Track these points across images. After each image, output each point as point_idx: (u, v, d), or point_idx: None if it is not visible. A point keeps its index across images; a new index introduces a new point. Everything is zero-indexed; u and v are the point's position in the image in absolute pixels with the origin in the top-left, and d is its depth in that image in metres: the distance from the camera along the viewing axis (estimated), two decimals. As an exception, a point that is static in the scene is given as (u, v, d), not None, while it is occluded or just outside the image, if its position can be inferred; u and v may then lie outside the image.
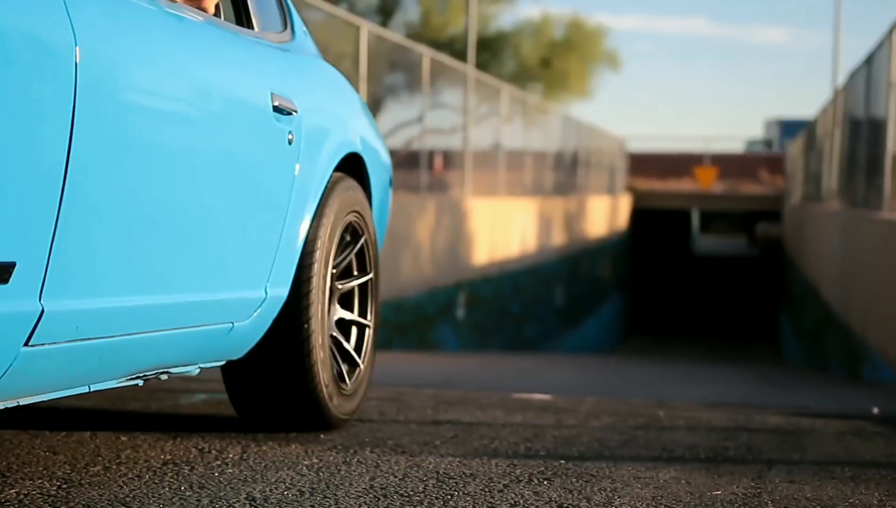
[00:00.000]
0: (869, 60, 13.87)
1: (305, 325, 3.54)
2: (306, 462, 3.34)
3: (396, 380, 6.71)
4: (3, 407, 2.55)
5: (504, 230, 19.62)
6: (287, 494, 2.92)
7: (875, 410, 5.95)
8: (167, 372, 3.19)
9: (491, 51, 33.96)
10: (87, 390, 2.83)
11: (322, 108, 3.72)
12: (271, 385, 3.64)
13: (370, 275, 4.00)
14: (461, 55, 22.21)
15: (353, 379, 3.90)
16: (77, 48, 2.36)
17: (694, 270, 41.57)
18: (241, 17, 3.52)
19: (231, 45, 3.24)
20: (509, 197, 20.56)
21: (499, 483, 3.19)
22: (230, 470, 3.18)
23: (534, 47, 35.17)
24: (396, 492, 3.00)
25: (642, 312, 37.20)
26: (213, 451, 3.45)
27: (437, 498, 2.96)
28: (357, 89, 13.31)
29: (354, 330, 3.96)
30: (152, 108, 2.69)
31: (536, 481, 3.24)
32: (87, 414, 4.08)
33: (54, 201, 2.33)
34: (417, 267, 14.95)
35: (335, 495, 2.94)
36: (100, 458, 3.27)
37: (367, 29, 13.54)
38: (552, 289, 24.46)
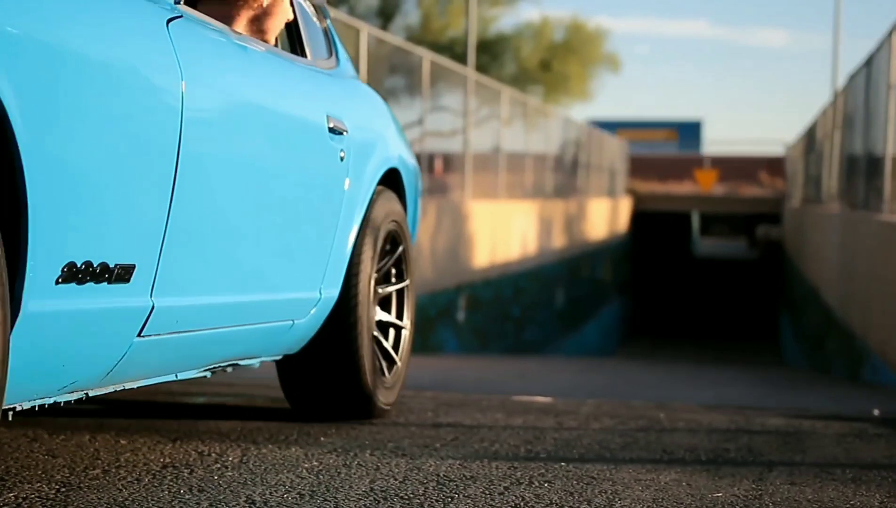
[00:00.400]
0: (868, 62, 13.87)
1: (354, 324, 3.93)
2: (306, 465, 3.33)
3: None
4: (111, 391, 2.95)
5: (504, 233, 19.62)
6: (287, 497, 2.92)
7: (876, 412, 5.95)
8: (235, 364, 3.60)
9: (491, 53, 33.97)
10: (175, 378, 3.27)
11: (367, 128, 4.07)
12: (322, 378, 4.04)
13: (406, 282, 4.41)
14: (461, 58, 22.21)
15: (392, 374, 4.31)
16: (183, 82, 2.76)
17: (694, 273, 41.55)
18: (295, 46, 3.91)
19: (292, 73, 3.61)
20: (510, 199, 20.57)
21: (499, 485, 3.19)
22: (230, 473, 3.18)
23: (534, 50, 35.17)
24: (397, 495, 3.00)
25: (643, 315, 37.19)
26: (213, 454, 3.44)
27: (437, 501, 2.96)
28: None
29: (392, 331, 4.35)
30: (234, 132, 3.05)
31: (537, 483, 3.23)
32: (86, 417, 4.08)
33: (164, 213, 2.72)
34: (418, 269, 14.96)
35: (335, 498, 2.93)
36: (99, 461, 3.26)
37: (367, 32, 13.54)
38: (553, 292, 24.45)
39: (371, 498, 2.94)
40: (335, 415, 4.15)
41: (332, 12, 13.83)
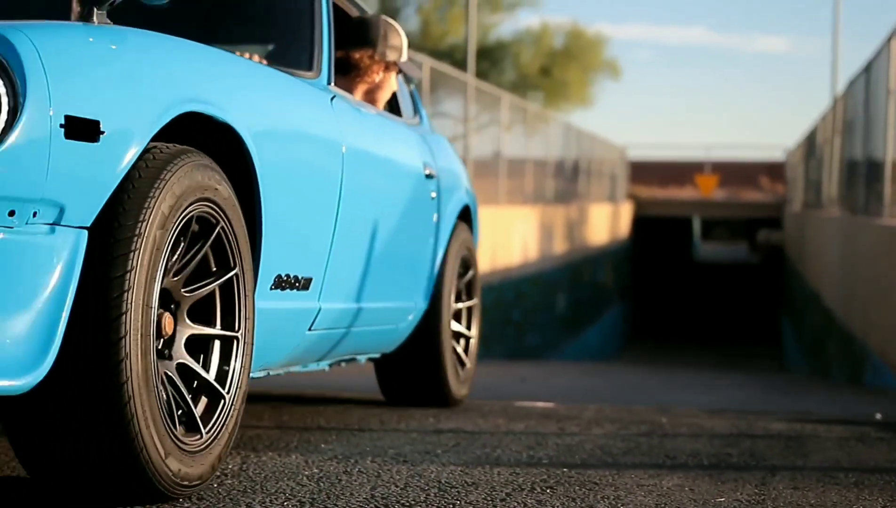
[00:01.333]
0: (868, 68, 13.86)
1: (438, 330, 4.85)
2: (306, 473, 3.32)
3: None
4: (283, 373, 3.89)
5: (505, 238, 19.61)
6: (287, 505, 2.90)
7: (878, 415, 5.93)
8: (353, 359, 4.48)
9: (491, 60, 33.96)
10: (316, 366, 4.14)
11: (448, 172, 5.01)
12: (412, 373, 4.94)
13: (475, 300, 5.32)
14: (461, 64, 22.21)
15: (464, 372, 5.19)
16: (343, 144, 3.70)
17: (695, 277, 41.53)
18: (393, 107, 4.81)
19: (399, 131, 4.54)
20: (510, 205, 20.55)
21: (501, 491, 3.17)
22: (229, 481, 3.16)
23: (534, 56, 35.17)
24: (398, 502, 2.98)
25: (644, 319, 37.17)
26: (213, 462, 3.43)
27: (438, 508, 2.95)
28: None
29: (462, 339, 5.23)
30: (370, 178, 3.96)
31: (539, 489, 3.22)
32: (86, 425, 4.07)
33: (330, 239, 3.64)
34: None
35: (336, 505, 2.92)
36: (98, 470, 3.25)
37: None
38: (554, 297, 24.44)
39: (372, 505, 2.93)
40: (422, 404, 5.03)
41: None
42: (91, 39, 2.52)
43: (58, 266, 2.37)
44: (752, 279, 39.74)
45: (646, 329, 36.17)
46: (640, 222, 37.51)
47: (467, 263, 5.19)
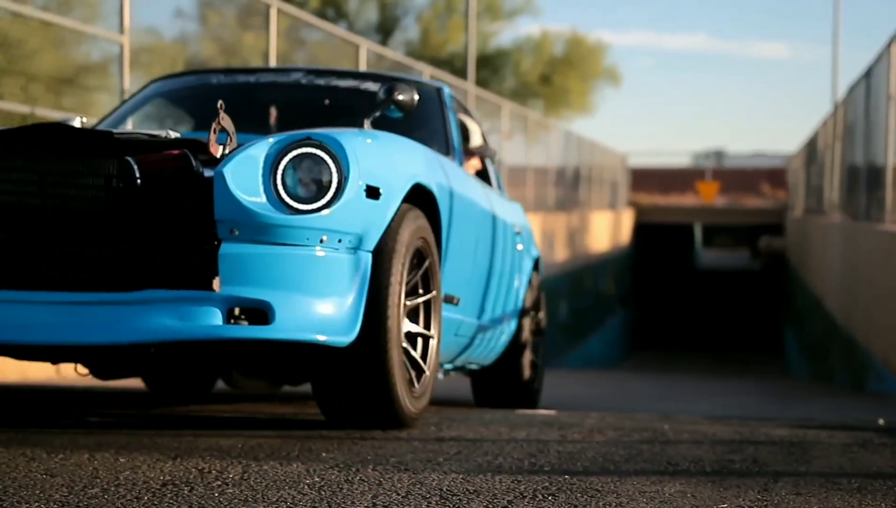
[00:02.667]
0: (868, 74, 13.86)
1: (524, 347, 6.16)
2: (308, 481, 3.31)
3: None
4: (451, 367, 5.57)
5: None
6: (288, 513, 2.89)
7: (881, 421, 5.92)
8: (463, 367, 5.74)
9: (491, 68, 33.95)
10: (445, 368, 5.52)
11: (526, 231, 6.41)
12: (503, 382, 6.17)
13: (544, 328, 6.71)
14: (461, 72, 22.20)
15: (537, 377, 6.48)
16: (477, 206, 5.16)
17: (697, 284, 41.50)
18: (484, 180, 6.00)
19: (499, 198, 5.94)
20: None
21: (503, 499, 3.16)
22: (230, 490, 3.15)
23: (534, 64, 35.15)
24: (398, 510, 2.97)
25: (646, 327, 37.15)
26: (214, 471, 3.42)
27: (439, 516, 2.93)
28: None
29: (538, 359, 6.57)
30: (488, 230, 5.36)
31: (541, 497, 3.21)
32: (85, 436, 4.05)
33: (469, 272, 4.99)
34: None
35: (336, 514, 2.90)
36: (98, 480, 3.24)
37: (367, 47, 13.53)
38: (556, 305, 24.43)
39: (373, 514, 2.92)
40: (509, 407, 6.07)
41: (332, 28, 13.84)
42: (368, 141, 3.98)
43: (359, 272, 3.86)
44: (753, 286, 39.71)
45: (648, 336, 36.13)
46: (641, 229, 37.49)
47: (538, 302, 6.58)
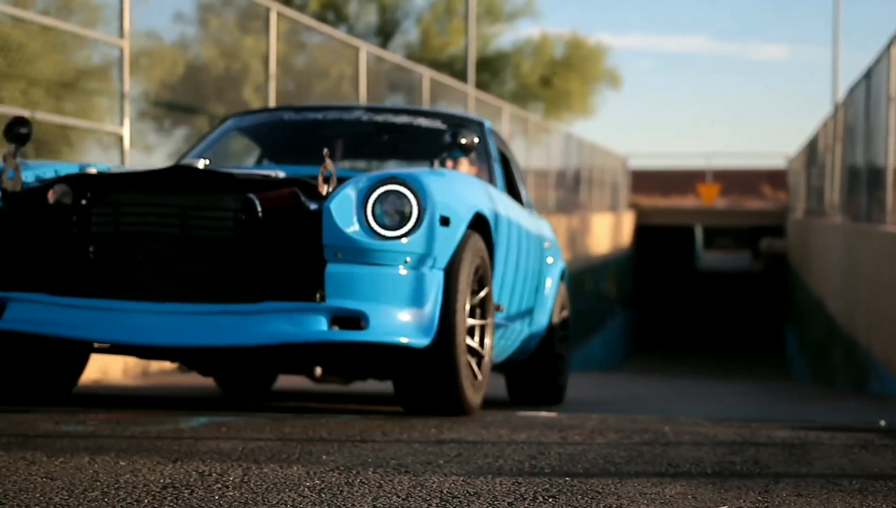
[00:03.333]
0: (868, 75, 13.85)
1: (554, 343, 6.87)
2: (308, 484, 3.30)
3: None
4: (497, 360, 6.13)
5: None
6: (288, 516, 2.89)
7: (882, 422, 5.91)
8: (501, 364, 6.38)
9: (491, 70, 33.93)
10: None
11: (553, 245, 7.12)
12: (533, 377, 6.86)
13: (567, 332, 7.33)
14: (461, 75, 22.20)
15: (563, 374, 7.17)
16: (518, 225, 6.03)
17: (698, 286, 41.47)
18: (515, 196, 6.65)
19: (531, 216, 6.69)
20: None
21: (503, 501, 3.16)
22: (231, 493, 3.15)
23: (534, 67, 35.13)
24: (399, 512, 2.97)
25: (647, 329, 37.12)
26: (214, 474, 3.41)
27: (440, 518, 2.93)
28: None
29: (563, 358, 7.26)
30: (526, 245, 6.14)
31: (541, 499, 3.20)
32: (85, 439, 4.05)
33: (513, 279, 5.83)
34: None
35: (337, 516, 2.90)
36: (98, 483, 3.23)
37: (367, 50, 13.53)
38: (556, 308, 24.38)
39: (373, 516, 2.91)
40: (540, 403, 6.85)
41: (331, 31, 13.85)
42: (440, 178, 4.79)
43: (434, 286, 4.68)
44: (755, 287, 39.69)
45: (649, 338, 36.10)
46: (641, 231, 37.47)
47: (565, 305, 7.20)
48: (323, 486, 3.28)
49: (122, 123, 8.47)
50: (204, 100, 11.21)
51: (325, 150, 4.62)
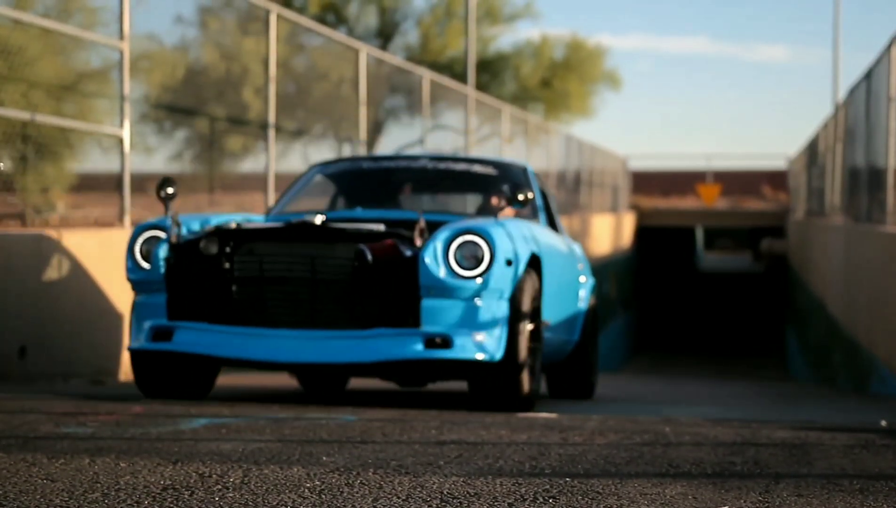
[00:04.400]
0: (868, 75, 13.84)
1: (587, 349, 7.96)
2: (308, 485, 3.30)
3: (400, 402, 6.68)
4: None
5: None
6: (288, 517, 2.89)
7: (883, 423, 5.91)
8: (549, 363, 7.32)
9: (491, 72, 33.91)
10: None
11: (586, 265, 8.23)
12: (570, 376, 7.93)
13: (596, 338, 8.30)
14: (461, 77, 22.19)
15: (594, 372, 8.18)
16: (560, 253, 7.34)
17: (699, 287, 41.44)
18: (553, 226, 7.69)
19: (568, 242, 7.87)
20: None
21: (503, 501, 3.16)
22: (231, 494, 3.15)
23: (534, 68, 35.10)
24: (399, 513, 2.97)
25: (648, 330, 37.09)
26: (214, 476, 3.41)
27: (440, 519, 2.93)
28: (357, 112, 13.30)
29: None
30: (565, 268, 7.24)
31: (541, 499, 3.20)
32: (86, 440, 4.05)
33: (553, 300, 6.74)
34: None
35: (337, 517, 2.90)
36: (98, 485, 3.23)
37: (367, 52, 13.53)
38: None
39: (373, 517, 2.91)
40: (578, 396, 7.98)
41: (331, 34, 13.85)
42: (505, 229, 5.95)
43: (503, 314, 5.82)
44: (755, 288, 39.66)
45: (650, 339, 36.08)
46: (642, 232, 37.45)
47: (596, 313, 8.18)
48: (323, 487, 3.28)
49: (122, 126, 8.47)
50: (204, 103, 11.21)
51: (420, 217, 5.97)
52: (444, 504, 3.10)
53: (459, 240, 5.77)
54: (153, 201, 10.22)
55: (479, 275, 5.74)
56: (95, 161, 9.88)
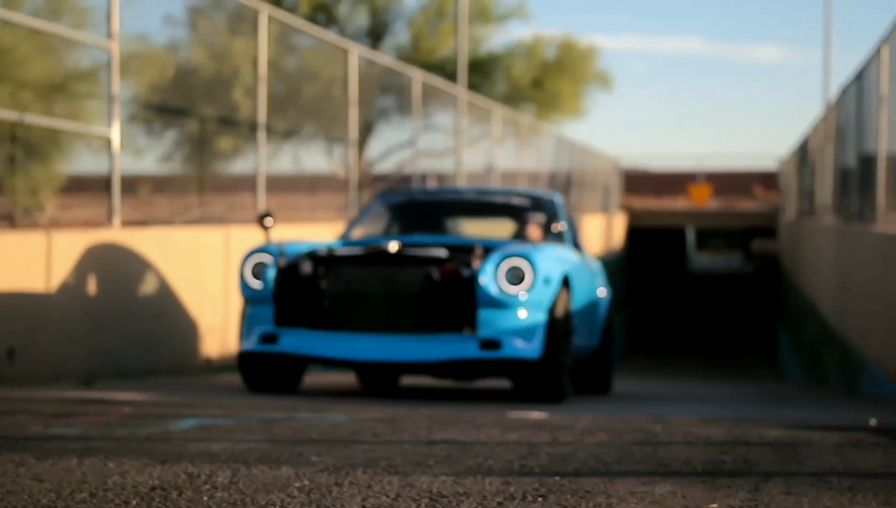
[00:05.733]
0: (859, 75, 13.86)
1: (607, 352, 9.04)
2: (297, 485, 3.29)
3: (392, 402, 6.67)
4: None
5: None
6: (276, 516, 2.88)
7: (872, 421, 5.91)
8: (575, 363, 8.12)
9: (482, 72, 33.93)
10: None
11: (603, 276, 9.36)
12: (592, 373, 8.90)
13: (613, 343, 9.48)
14: (452, 77, 22.19)
15: (611, 369, 9.33)
16: (585, 269, 8.72)
17: (691, 288, 41.47)
18: (577, 248, 8.76)
19: (591, 260, 9.06)
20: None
21: (492, 501, 3.15)
22: (219, 494, 3.14)
23: (525, 68, 35.14)
24: (388, 512, 2.96)
25: (640, 331, 37.11)
26: (203, 476, 3.40)
27: (429, 518, 2.92)
28: (348, 113, 13.30)
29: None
30: (589, 284, 8.55)
31: (531, 498, 3.19)
32: (74, 441, 4.04)
33: (580, 310, 8.01)
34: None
35: (325, 516, 2.89)
36: (86, 485, 3.22)
37: (357, 52, 13.52)
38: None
39: (362, 516, 2.90)
40: (598, 391, 9.04)
41: (322, 34, 13.83)
42: (544, 253, 7.23)
43: (542, 322, 7.08)
44: (747, 289, 39.69)
45: (641, 340, 36.10)
46: (634, 233, 37.48)
47: (610, 322, 9.29)
48: (312, 487, 3.27)
49: (111, 126, 8.45)
50: (194, 103, 11.19)
51: (478, 250, 7.20)
52: (433, 503, 3.10)
53: (508, 263, 7.04)
54: (142, 202, 10.20)
55: (524, 292, 7.01)
56: (85, 161, 9.86)
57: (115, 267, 8.17)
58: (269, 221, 7.50)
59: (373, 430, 4.60)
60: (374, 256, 7.29)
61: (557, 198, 9.00)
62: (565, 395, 7.31)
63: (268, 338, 7.17)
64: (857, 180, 14.08)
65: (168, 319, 8.90)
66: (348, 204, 13.33)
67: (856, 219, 13.84)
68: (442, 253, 7.26)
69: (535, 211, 8.65)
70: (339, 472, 3.51)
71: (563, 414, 6.02)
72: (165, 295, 8.82)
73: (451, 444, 4.23)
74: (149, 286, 8.58)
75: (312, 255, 7.35)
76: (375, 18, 33.40)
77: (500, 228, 9.16)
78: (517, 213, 8.82)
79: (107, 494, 3.10)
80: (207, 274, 9.50)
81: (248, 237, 10.46)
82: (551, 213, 8.62)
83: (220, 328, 9.65)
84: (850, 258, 13.57)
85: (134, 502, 3.01)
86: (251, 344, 7.20)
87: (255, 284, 7.22)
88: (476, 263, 7.09)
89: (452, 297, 7.08)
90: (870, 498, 3.31)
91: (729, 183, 42.61)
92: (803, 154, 25.37)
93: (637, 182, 42.10)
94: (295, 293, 7.23)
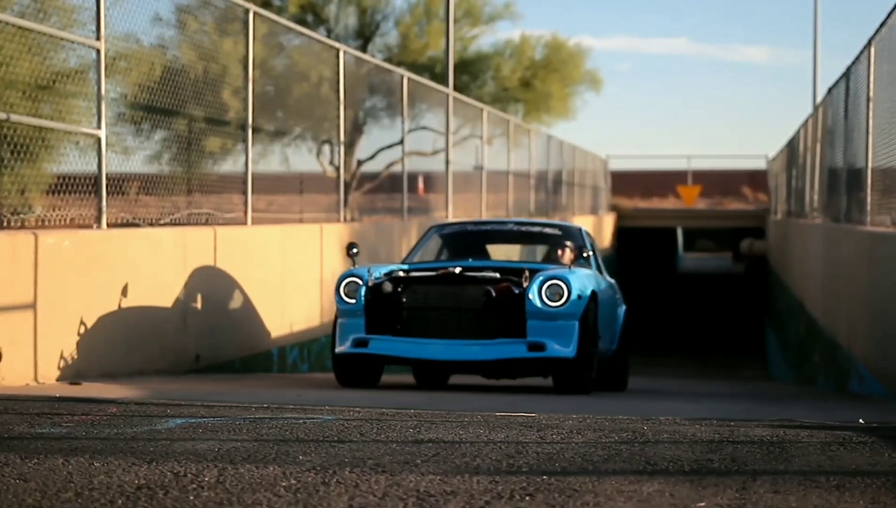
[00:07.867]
0: (847, 75, 13.88)
1: (622, 354, 10.85)
2: (284, 484, 3.28)
3: (381, 403, 6.66)
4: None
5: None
6: (263, 516, 2.87)
7: (860, 420, 5.91)
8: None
9: (471, 73, 33.92)
10: None
11: (619, 292, 11.04)
12: (610, 372, 10.39)
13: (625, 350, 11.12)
14: (441, 77, 22.17)
15: (626, 369, 11.07)
16: (607, 288, 10.43)
17: (679, 288, 41.51)
18: (599, 270, 10.37)
19: (605, 279, 10.44)
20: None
21: (480, 499, 3.14)
22: (206, 494, 3.13)
23: (514, 69, 35.13)
24: (375, 511, 2.95)
25: (629, 331, 37.09)
26: (189, 475, 3.39)
27: (416, 517, 2.91)
28: (337, 113, 13.28)
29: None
30: (610, 301, 10.28)
31: (518, 497, 3.19)
32: (60, 440, 4.02)
33: (605, 323, 9.80)
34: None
35: (312, 515, 2.88)
36: (72, 484, 3.21)
37: (346, 52, 13.51)
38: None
39: (349, 515, 2.89)
40: (615, 388, 10.48)
41: (311, 34, 13.82)
42: (576, 275, 8.84)
43: (576, 329, 8.66)
44: (735, 289, 39.74)
45: (630, 340, 36.09)
46: (622, 233, 37.51)
47: (625, 330, 10.80)
48: (299, 486, 3.26)
49: (99, 126, 8.43)
50: (182, 103, 11.16)
51: (525, 274, 8.78)
52: (420, 501, 3.09)
53: (549, 283, 8.58)
54: (130, 203, 10.16)
55: (561, 306, 8.53)
56: (73, 161, 9.83)
57: (102, 267, 8.15)
58: (354, 250, 9.31)
59: (359, 429, 4.59)
60: (443, 277, 9.00)
61: (584, 229, 10.90)
62: (591, 388, 8.87)
63: (360, 343, 8.73)
64: (846, 180, 14.10)
65: (156, 319, 8.88)
66: (338, 203, 13.31)
67: (844, 219, 13.86)
68: (496, 274, 8.95)
69: (566, 239, 10.38)
70: (325, 471, 3.50)
71: (551, 413, 6.01)
72: (153, 295, 8.80)
73: (438, 443, 4.22)
74: (137, 286, 8.56)
75: (392, 276, 9.03)
76: (364, 19, 33.37)
77: (531, 253, 11.73)
78: (549, 241, 10.84)
79: (92, 493, 3.09)
80: (196, 274, 9.48)
81: (235, 237, 10.43)
82: (579, 241, 10.23)
83: (207, 327, 9.63)
84: (837, 257, 13.59)
85: (120, 501, 3.00)
86: (346, 347, 8.76)
87: (350, 301, 8.80)
88: (524, 283, 8.67)
89: (506, 310, 8.66)
90: (857, 497, 3.31)
91: (717, 183, 42.65)
92: (792, 154, 25.40)
93: (626, 182, 42.12)
94: (380, 307, 8.83)
